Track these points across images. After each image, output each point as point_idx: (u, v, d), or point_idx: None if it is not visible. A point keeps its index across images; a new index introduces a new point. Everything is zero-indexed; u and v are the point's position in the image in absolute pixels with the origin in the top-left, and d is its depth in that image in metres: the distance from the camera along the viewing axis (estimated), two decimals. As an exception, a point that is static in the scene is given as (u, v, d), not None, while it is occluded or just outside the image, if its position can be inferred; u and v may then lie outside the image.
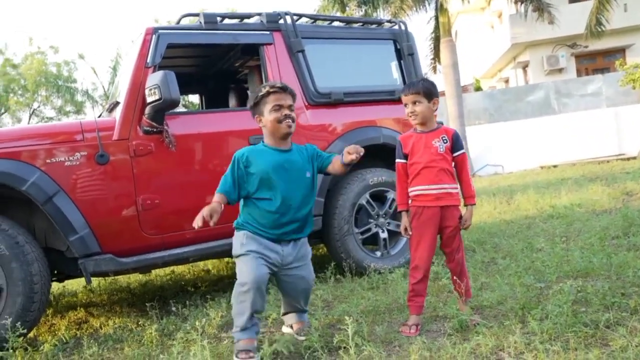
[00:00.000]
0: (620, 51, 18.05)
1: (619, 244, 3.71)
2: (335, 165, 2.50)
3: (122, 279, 4.70)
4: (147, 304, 3.19)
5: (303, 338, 2.47)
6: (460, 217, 2.56)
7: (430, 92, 2.51)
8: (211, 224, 2.23)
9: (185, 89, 5.09)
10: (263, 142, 2.50)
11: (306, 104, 3.75)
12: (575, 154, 13.80)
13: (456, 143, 2.54)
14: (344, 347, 2.21)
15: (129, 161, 3.14)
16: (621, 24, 16.21)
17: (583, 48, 17.57)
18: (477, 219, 5.53)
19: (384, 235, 3.88)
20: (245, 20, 3.82)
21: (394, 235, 3.95)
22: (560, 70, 18.20)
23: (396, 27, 4.29)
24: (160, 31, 3.32)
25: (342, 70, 4.05)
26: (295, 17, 3.84)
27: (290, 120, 2.42)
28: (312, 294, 3.20)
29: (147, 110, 3.12)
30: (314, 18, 4.16)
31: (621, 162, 11.44)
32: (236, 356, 2.27)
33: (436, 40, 15.27)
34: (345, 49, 4.08)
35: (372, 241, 3.94)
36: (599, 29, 13.66)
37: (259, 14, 3.81)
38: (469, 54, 23.76)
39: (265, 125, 2.44)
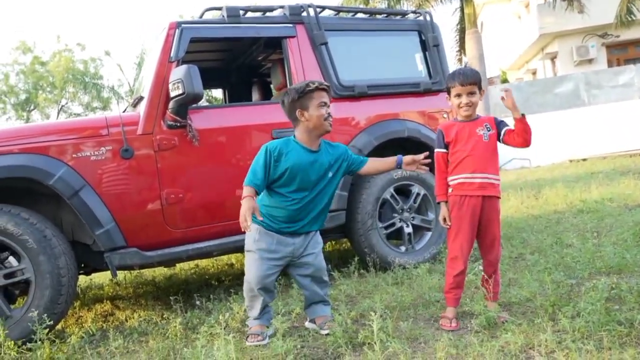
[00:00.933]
0: (653, 40, 17.48)
1: (654, 239, 3.58)
2: (377, 166, 2.71)
3: (148, 273, 4.75)
4: (171, 297, 3.21)
5: (326, 332, 2.46)
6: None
7: (481, 82, 2.47)
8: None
9: (208, 83, 5.09)
10: (294, 137, 2.53)
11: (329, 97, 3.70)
12: (606, 146, 13.42)
13: (500, 125, 2.48)
14: (369, 344, 2.18)
15: (153, 155, 3.15)
16: (654, 12, 15.66)
17: (614, 38, 17.04)
18: (504, 213, 5.42)
19: (408, 230, 3.82)
20: (268, 13, 3.80)
21: (418, 230, 3.89)
22: (590, 61, 17.70)
23: (421, 18, 4.21)
24: (183, 25, 3.32)
25: (366, 63, 3.99)
26: (318, 9, 3.79)
27: (331, 119, 2.50)
28: (335, 289, 3.18)
29: (171, 104, 3.13)
30: (337, 10, 4.11)
31: (654, 155, 11.10)
32: (247, 339, 2.49)
33: (461, 32, 15.02)
34: (369, 41, 4.02)
35: (396, 236, 3.89)
36: (629, 18, 13.23)
37: (282, 7, 3.78)
38: (495, 46, 23.31)
39: (309, 120, 2.46)
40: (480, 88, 2.46)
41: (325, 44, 3.72)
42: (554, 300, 2.42)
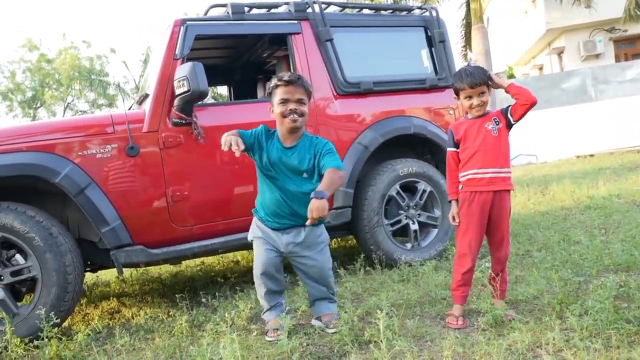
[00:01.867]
0: (662, 35, 17.31)
1: (663, 236, 3.54)
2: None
3: (153, 270, 4.76)
4: (177, 295, 3.21)
5: (332, 331, 2.44)
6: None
7: (488, 79, 2.45)
8: (237, 153, 2.29)
9: (213, 81, 5.09)
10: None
11: (335, 93, 3.69)
12: (613, 142, 13.33)
13: (506, 113, 2.45)
14: (375, 342, 2.17)
15: (159, 153, 3.15)
16: (663, 6, 15.50)
17: (622, 32, 16.90)
18: (510, 207, 5.38)
19: (414, 226, 3.81)
20: (273, 10, 3.78)
21: (424, 227, 3.88)
22: (597, 56, 17.56)
23: (427, 13, 4.18)
24: (188, 23, 3.31)
25: (372, 59, 3.97)
26: (323, 6, 3.77)
27: (295, 115, 2.39)
28: (341, 286, 3.17)
29: (176, 102, 3.13)
30: (343, 6, 4.08)
31: (662, 151, 11.01)
32: (266, 334, 2.50)
33: (467, 27, 14.92)
34: (374, 37, 4.00)
35: (402, 233, 3.88)
36: (638, 13, 13.11)
37: (287, 3, 3.77)
38: (501, 41, 23.17)
39: (275, 117, 2.47)
40: (489, 85, 2.44)
41: (331, 40, 3.70)
42: (561, 298, 2.40)
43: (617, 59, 17.69)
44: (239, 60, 4.77)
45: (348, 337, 2.27)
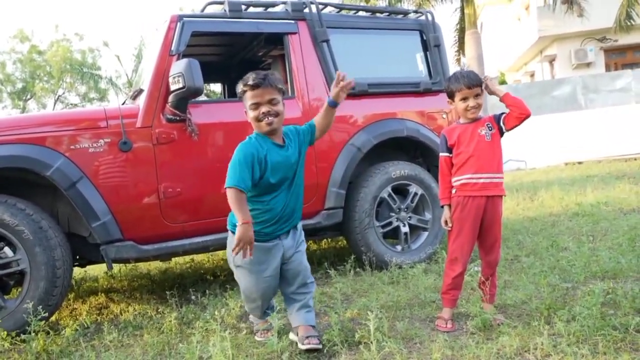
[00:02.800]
0: (652, 46, 17.54)
1: (649, 245, 3.59)
2: (321, 121, 2.47)
3: (143, 266, 4.74)
4: (167, 292, 3.20)
5: (306, 347, 2.25)
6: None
7: (483, 85, 2.47)
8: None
9: (208, 78, 5.07)
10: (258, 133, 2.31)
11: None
12: (602, 151, 13.47)
13: (498, 120, 2.47)
14: (365, 343, 2.18)
15: (152, 149, 3.13)
16: (653, 18, 15.71)
17: (613, 42, 17.10)
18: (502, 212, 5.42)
19: (405, 229, 3.83)
20: (270, 9, 3.78)
21: (415, 229, 3.90)
22: (588, 65, 17.75)
23: (423, 17, 4.20)
24: (185, 19, 3.30)
25: (367, 61, 3.99)
26: (320, 6, 3.78)
27: (270, 117, 2.24)
28: (331, 287, 3.18)
29: (171, 98, 3.12)
30: (339, 7, 4.10)
31: (649, 160, 11.14)
32: (256, 334, 2.51)
33: (461, 32, 15.01)
34: (370, 39, 4.01)
35: (392, 235, 3.89)
36: (629, 23, 13.27)
37: (284, 3, 3.76)
38: (494, 47, 23.34)
39: (251, 122, 2.30)
40: (482, 89, 2.46)
41: (327, 41, 3.71)
42: (549, 304, 2.43)
43: (608, 68, 17.90)
44: (235, 58, 4.76)
45: (338, 337, 2.28)
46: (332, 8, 4.02)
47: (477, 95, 2.44)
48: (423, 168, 4.04)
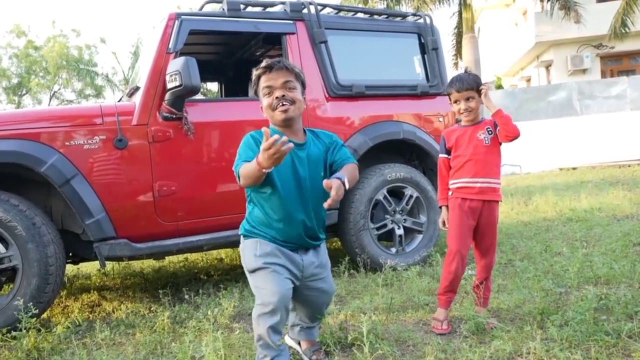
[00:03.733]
0: (648, 53, 17.65)
1: (642, 251, 3.61)
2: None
3: (136, 264, 4.72)
4: (159, 290, 3.19)
5: None
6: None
7: (479, 86, 2.45)
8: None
9: (204, 76, 5.06)
10: (274, 127, 2.04)
11: (327, 96, 3.70)
12: (596, 156, 13.52)
13: (497, 125, 2.44)
14: (358, 345, 2.18)
15: (147, 147, 3.12)
16: (649, 25, 15.80)
17: (609, 49, 17.19)
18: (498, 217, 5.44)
19: (399, 231, 3.83)
20: (269, 9, 3.78)
21: (409, 232, 3.90)
22: (584, 71, 17.85)
23: (421, 20, 4.21)
24: (182, 17, 3.29)
25: (365, 63, 3.99)
26: (319, 7, 3.78)
27: (286, 103, 1.95)
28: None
29: (167, 96, 3.11)
30: (338, 9, 4.10)
31: (643, 167, 11.19)
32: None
33: (458, 36, 15.05)
34: (368, 41, 4.02)
35: (387, 237, 3.89)
36: (624, 31, 13.34)
37: (283, 3, 3.76)
38: (491, 51, 23.42)
39: (267, 116, 2.04)
40: (479, 92, 2.45)
41: (325, 42, 3.71)
42: (542, 308, 2.43)
43: (603, 74, 18.00)
44: (232, 57, 4.76)
45: (331, 339, 2.27)
46: (331, 9, 4.02)
47: (469, 99, 2.44)
48: (419, 171, 4.04)
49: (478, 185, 2.43)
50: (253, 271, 2.00)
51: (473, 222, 2.46)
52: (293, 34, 3.66)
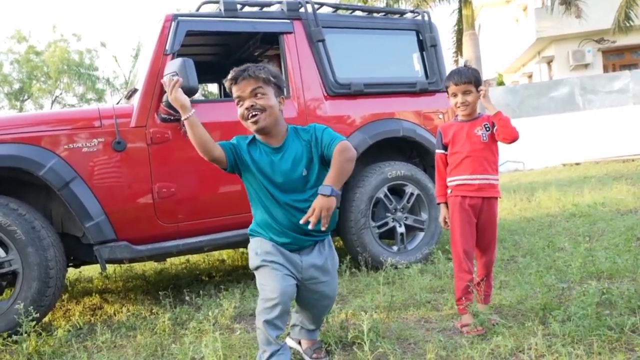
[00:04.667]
0: (650, 47, 17.57)
1: (645, 245, 3.59)
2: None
3: (138, 267, 4.71)
4: (160, 292, 3.18)
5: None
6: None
7: (478, 81, 2.42)
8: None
9: (203, 78, 5.05)
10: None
11: (325, 94, 3.69)
12: (599, 152, 13.47)
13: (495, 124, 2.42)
14: (359, 343, 2.17)
15: (146, 149, 3.12)
16: (651, 19, 15.73)
17: (611, 43, 17.12)
18: (497, 214, 5.42)
19: (401, 229, 3.81)
20: (266, 8, 3.77)
21: (411, 230, 3.88)
22: (586, 66, 17.78)
23: (419, 17, 4.19)
24: (179, 18, 3.29)
25: (363, 61, 3.98)
26: (316, 6, 3.77)
27: (257, 113, 1.95)
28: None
29: (165, 97, 3.10)
30: (336, 7, 4.09)
31: (647, 161, 11.14)
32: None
33: (459, 33, 15.03)
34: (366, 39, 4.00)
35: (388, 235, 3.88)
36: (628, 24, 13.29)
37: (280, 2, 3.75)
38: (492, 48, 23.36)
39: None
40: (477, 86, 2.41)
41: (323, 40, 3.70)
42: (544, 304, 2.41)
43: (605, 69, 17.92)
44: (230, 58, 4.74)
45: (332, 338, 2.26)
46: (328, 8, 4.01)
47: (466, 93, 2.39)
48: (419, 168, 4.03)
49: (477, 182, 2.39)
50: (256, 269, 2.04)
51: (474, 220, 2.42)
52: (290, 33, 3.65)
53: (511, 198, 6.73)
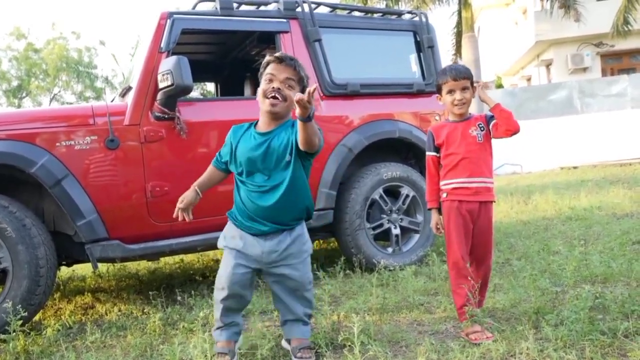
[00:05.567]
0: (648, 51, 17.59)
1: (640, 249, 3.58)
2: (299, 131, 2.00)
3: (131, 266, 4.69)
4: (151, 292, 3.16)
5: None
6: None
7: (473, 78, 2.36)
8: (187, 218, 2.28)
9: (200, 76, 5.04)
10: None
11: (321, 94, 3.67)
12: (597, 155, 13.47)
13: (489, 122, 2.35)
14: (349, 346, 2.15)
15: (139, 147, 3.09)
16: (650, 23, 15.74)
17: (609, 47, 17.15)
18: (493, 218, 5.41)
19: (396, 231, 3.80)
20: (262, 8, 3.75)
21: (406, 231, 3.87)
22: (584, 70, 17.80)
23: (416, 18, 4.18)
24: (175, 16, 3.26)
25: (360, 61, 3.96)
26: (313, 5, 3.75)
27: (277, 97, 2.05)
28: (320, 289, 3.13)
29: (159, 96, 3.08)
30: (333, 7, 4.07)
31: (644, 166, 11.14)
32: (214, 357, 2.12)
33: (458, 35, 15.01)
34: (363, 40, 3.98)
35: (383, 237, 3.86)
36: (626, 28, 13.30)
37: (277, 1, 3.73)
38: (491, 51, 23.38)
39: (258, 99, 2.15)
40: (472, 84, 2.36)
41: (319, 40, 3.68)
42: (537, 308, 2.40)
43: (604, 73, 17.94)
44: (227, 57, 4.73)
45: (323, 340, 2.24)
46: (325, 7, 3.99)
47: (464, 89, 2.32)
48: (415, 170, 4.01)
49: (474, 185, 2.31)
50: (220, 248, 2.25)
51: (471, 225, 2.33)
52: (287, 32, 3.63)
53: (508, 201, 6.71)
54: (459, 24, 14.89)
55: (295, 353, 2.15)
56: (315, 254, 4.55)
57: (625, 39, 13.71)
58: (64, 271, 4.61)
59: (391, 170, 3.78)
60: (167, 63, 2.97)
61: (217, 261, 4.69)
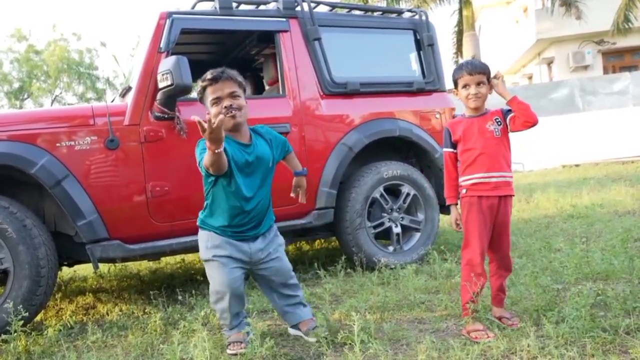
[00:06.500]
0: (650, 49, 17.55)
1: (642, 246, 3.56)
2: (289, 164, 2.58)
3: (133, 266, 4.69)
4: (152, 292, 3.16)
5: (314, 340, 2.31)
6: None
7: (490, 74, 2.35)
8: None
9: (199, 76, 5.03)
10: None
11: (321, 93, 3.66)
12: (599, 153, 13.43)
13: (506, 116, 2.33)
14: (350, 344, 2.15)
15: (139, 147, 3.10)
16: (651, 21, 15.70)
17: (610, 45, 17.11)
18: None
19: (397, 230, 3.79)
20: (262, 7, 3.75)
21: (407, 230, 3.86)
22: (585, 68, 17.76)
23: (417, 17, 4.17)
24: (174, 16, 3.26)
25: (359, 60, 3.95)
26: (312, 4, 3.74)
27: (234, 112, 2.20)
28: (321, 288, 3.14)
29: (159, 95, 3.08)
30: (332, 5, 4.06)
31: (646, 163, 11.11)
32: (228, 347, 2.26)
33: (459, 34, 15.01)
34: (363, 38, 3.98)
35: (384, 236, 3.86)
36: (627, 26, 13.27)
37: (276, 0, 3.73)
38: (492, 49, 23.35)
39: None
40: (489, 79, 2.34)
41: (319, 39, 3.67)
42: (538, 305, 2.39)
43: (605, 71, 17.90)
44: (226, 57, 4.72)
45: (322, 338, 2.24)
46: (325, 6, 3.99)
47: (479, 84, 2.30)
48: (416, 168, 4.00)
49: (494, 180, 2.27)
50: (206, 261, 2.31)
51: (491, 223, 2.30)
52: (286, 31, 3.63)
53: (509, 199, 6.70)
54: (459, 22, 14.89)
55: (309, 334, 2.31)
56: (317, 253, 4.56)
57: (626, 36, 13.68)
58: (66, 272, 4.61)
59: (392, 169, 3.77)
60: (167, 63, 2.97)
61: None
